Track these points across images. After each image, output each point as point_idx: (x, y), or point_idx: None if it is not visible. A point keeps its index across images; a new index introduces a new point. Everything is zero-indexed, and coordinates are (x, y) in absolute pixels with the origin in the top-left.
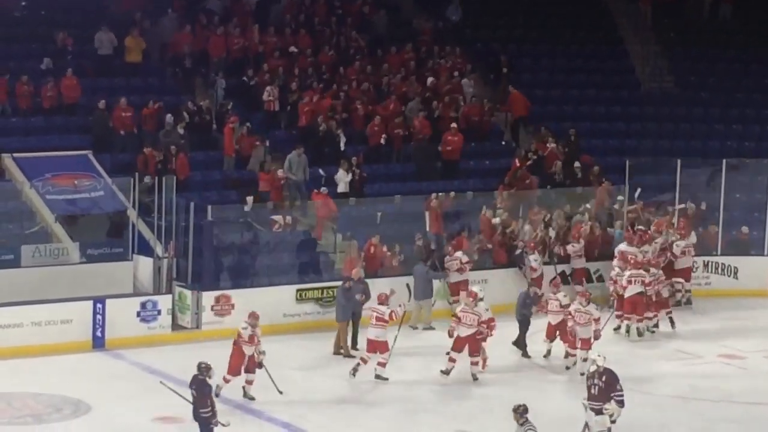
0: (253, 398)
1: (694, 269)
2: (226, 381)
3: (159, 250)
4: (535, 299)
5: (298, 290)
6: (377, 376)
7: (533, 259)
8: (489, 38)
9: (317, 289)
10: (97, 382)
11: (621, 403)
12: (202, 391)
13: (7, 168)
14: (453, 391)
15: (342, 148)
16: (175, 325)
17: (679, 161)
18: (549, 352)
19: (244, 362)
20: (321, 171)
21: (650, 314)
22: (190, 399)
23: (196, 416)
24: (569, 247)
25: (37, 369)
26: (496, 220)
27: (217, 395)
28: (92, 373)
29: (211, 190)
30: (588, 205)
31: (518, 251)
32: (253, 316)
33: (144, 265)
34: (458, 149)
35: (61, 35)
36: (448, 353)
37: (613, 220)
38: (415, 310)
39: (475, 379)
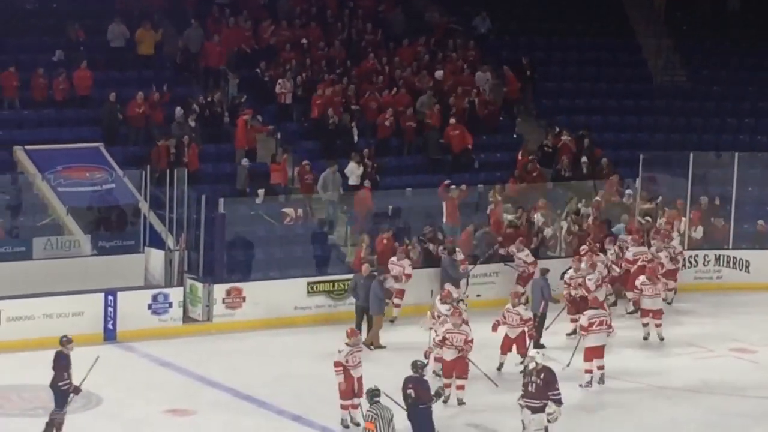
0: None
1: (705, 263)
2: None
3: (170, 242)
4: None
5: (309, 283)
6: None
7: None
8: (499, 30)
9: (328, 282)
10: (108, 374)
11: (558, 402)
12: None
13: (19, 160)
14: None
15: (355, 141)
16: (187, 318)
17: (691, 155)
18: (502, 365)
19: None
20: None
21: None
22: None
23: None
24: (520, 254)
25: (48, 361)
26: (509, 217)
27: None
28: (103, 366)
29: (222, 182)
30: (598, 198)
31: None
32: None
33: (155, 257)
34: (461, 142)
35: (73, 28)
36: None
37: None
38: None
39: (461, 403)
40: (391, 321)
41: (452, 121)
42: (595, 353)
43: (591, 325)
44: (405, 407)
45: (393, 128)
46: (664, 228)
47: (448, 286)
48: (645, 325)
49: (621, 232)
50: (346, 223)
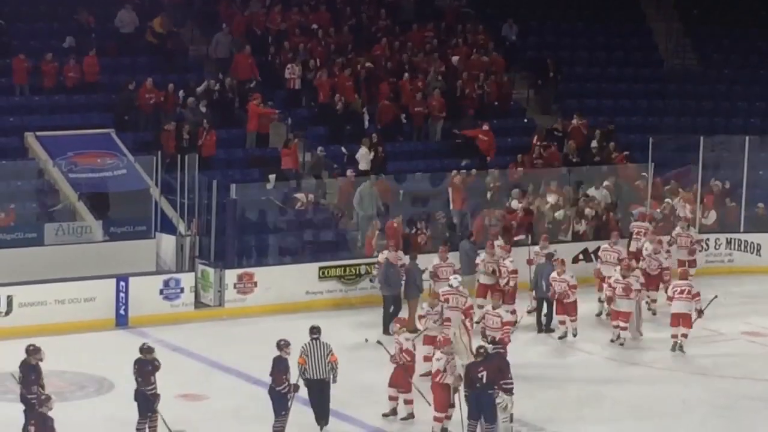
0: None
1: (717, 246)
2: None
3: (182, 228)
4: None
5: (320, 268)
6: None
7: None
8: (506, 14)
9: (340, 267)
10: (121, 359)
11: (510, 392)
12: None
13: (31, 146)
14: None
15: (366, 126)
16: (198, 303)
17: (702, 138)
18: None
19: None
20: (343, 149)
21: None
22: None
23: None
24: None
25: (60, 347)
26: (518, 204)
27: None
28: (115, 351)
29: (233, 168)
30: (608, 182)
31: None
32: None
33: (167, 243)
34: (488, 147)
35: (83, 14)
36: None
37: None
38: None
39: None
40: None
41: (485, 127)
42: (681, 320)
43: (674, 293)
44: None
45: (399, 113)
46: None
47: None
48: (614, 327)
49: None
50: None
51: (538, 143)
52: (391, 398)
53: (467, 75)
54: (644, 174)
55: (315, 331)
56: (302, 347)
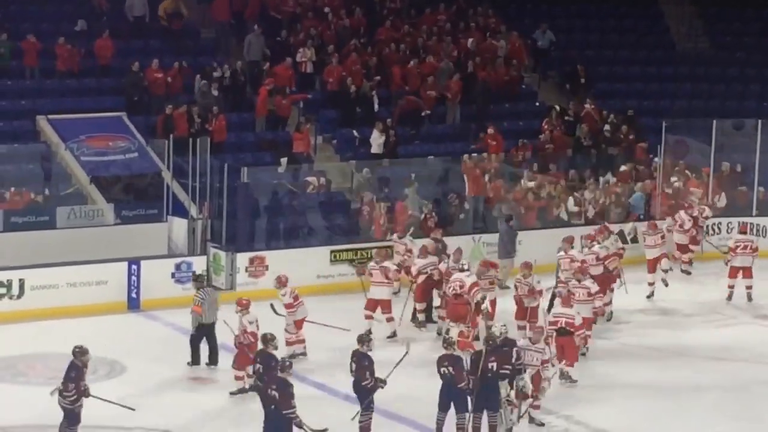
0: None
1: (729, 230)
2: None
3: (193, 211)
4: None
5: (332, 251)
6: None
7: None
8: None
9: (351, 250)
10: (132, 343)
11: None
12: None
13: (42, 130)
14: None
15: (376, 110)
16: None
17: (714, 122)
18: None
19: None
20: (355, 132)
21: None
22: None
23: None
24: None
25: (72, 330)
26: (530, 184)
27: None
28: (127, 334)
29: (245, 151)
30: (625, 167)
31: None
32: None
33: (179, 226)
34: (496, 150)
35: None
36: None
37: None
38: (501, 269)
39: None
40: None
41: (490, 131)
42: (742, 273)
43: (737, 248)
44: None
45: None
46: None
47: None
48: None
49: (640, 202)
50: (369, 191)
51: (548, 128)
52: (237, 378)
53: (479, 60)
54: (656, 159)
55: (201, 279)
56: (195, 298)
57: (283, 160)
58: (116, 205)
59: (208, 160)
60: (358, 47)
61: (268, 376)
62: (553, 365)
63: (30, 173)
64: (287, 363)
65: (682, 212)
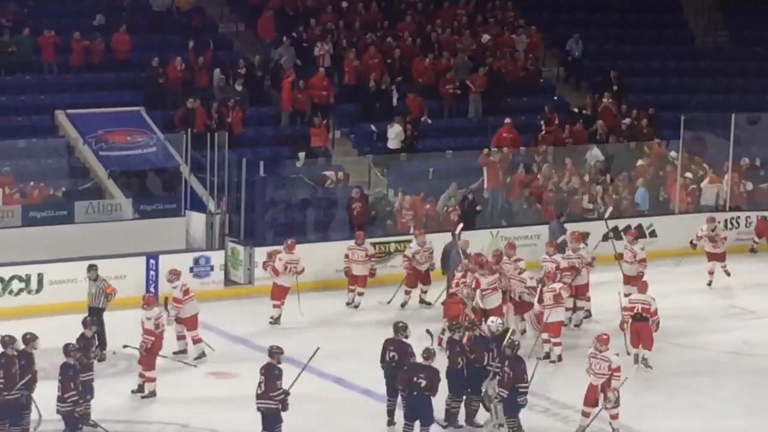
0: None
1: (748, 225)
2: None
3: (212, 206)
4: None
5: (349, 248)
6: None
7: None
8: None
9: (370, 244)
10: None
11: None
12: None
13: (61, 124)
14: None
15: (395, 104)
16: (228, 281)
17: (733, 116)
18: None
19: None
20: (373, 127)
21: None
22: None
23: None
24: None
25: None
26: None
27: None
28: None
29: (263, 146)
30: (642, 161)
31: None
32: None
33: (197, 220)
34: (511, 145)
35: None
36: None
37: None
38: None
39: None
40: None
41: (507, 120)
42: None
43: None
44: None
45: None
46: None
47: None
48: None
49: (644, 198)
50: (386, 186)
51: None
52: (141, 375)
53: (498, 53)
54: (673, 153)
55: (95, 267)
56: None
57: (301, 155)
58: (134, 199)
59: (226, 154)
60: (375, 41)
61: (409, 365)
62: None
63: (49, 168)
64: (275, 348)
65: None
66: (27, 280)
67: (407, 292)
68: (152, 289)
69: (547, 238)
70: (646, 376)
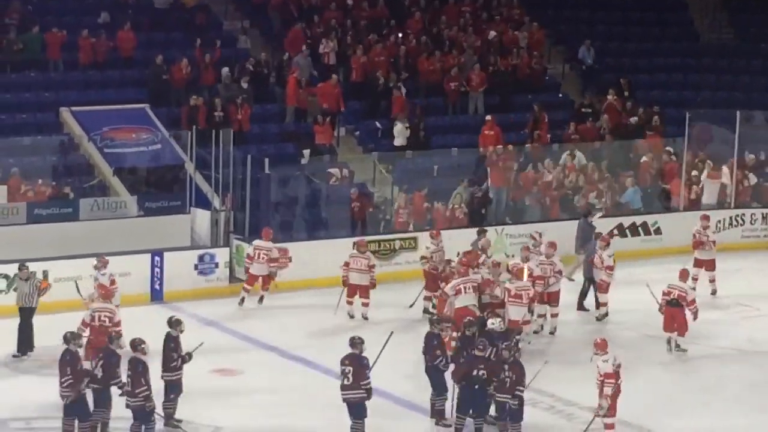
0: None
1: (753, 222)
2: None
3: (216, 203)
4: None
5: (354, 243)
6: None
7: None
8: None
9: (374, 241)
10: (155, 334)
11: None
12: None
13: (66, 121)
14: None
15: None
16: (233, 278)
17: (738, 113)
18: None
19: None
20: (378, 124)
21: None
22: None
23: None
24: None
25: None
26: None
27: None
28: (150, 326)
29: (268, 143)
30: (645, 158)
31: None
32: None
33: (201, 218)
34: (493, 143)
35: None
36: None
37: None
38: (575, 263)
39: None
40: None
41: (488, 118)
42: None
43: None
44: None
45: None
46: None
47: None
48: None
49: (634, 197)
50: (392, 183)
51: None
52: None
53: (503, 50)
54: (669, 149)
55: (23, 267)
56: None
57: (306, 152)
58: (139, 196)
59: (231, 151)
60: (381, 38)
61: (467, 358)
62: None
63: (53, 165)
64: (357, 339)
65: None
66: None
67: (427, 298)
68: (157, 286)
69: (575, 237)
70: (649, 375)
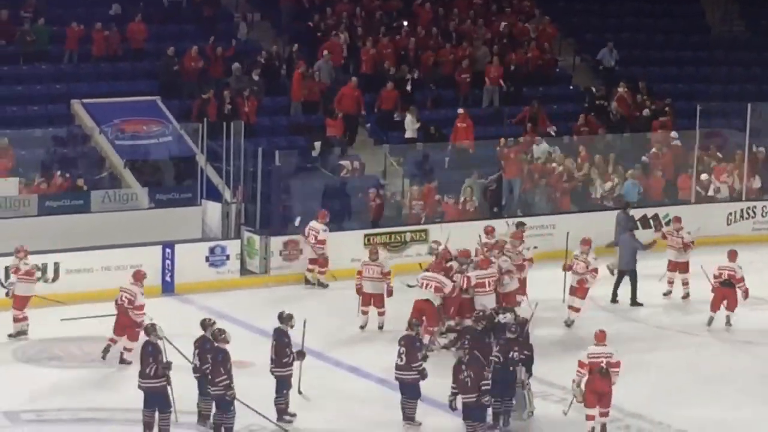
0: None
1: (764, 214)
2: None
3: (227, 195)
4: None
5: (365, 235)
6: None
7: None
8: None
9: (385, 234)
10: (167, 326)
11: None
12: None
13: (77, 113)
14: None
15: (410, 93)
16: (244, 270)
17: (749, 106)
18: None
19: None
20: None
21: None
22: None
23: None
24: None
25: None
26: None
27: None
28: (161, 318)
29: (278, 135)
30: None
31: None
32: None
33: (212, 210)
34: (463, 137)
35: None
36: None
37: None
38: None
39: None
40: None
41: (460, 111)
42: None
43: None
44: None
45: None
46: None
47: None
48: None
49: (632, 190)
50: (402, 176)
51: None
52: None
53: (513, 42)
54: (674, 133)
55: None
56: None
57: (317, 144)
58: (150, 189)
59: (242, 143)
60: (391, 30)
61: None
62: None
63: (64, 157)
64: (415, 321)
65: None
66: (43, 269)
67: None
68: (168, 278)
69: (615, 230)
70: (660, 367)
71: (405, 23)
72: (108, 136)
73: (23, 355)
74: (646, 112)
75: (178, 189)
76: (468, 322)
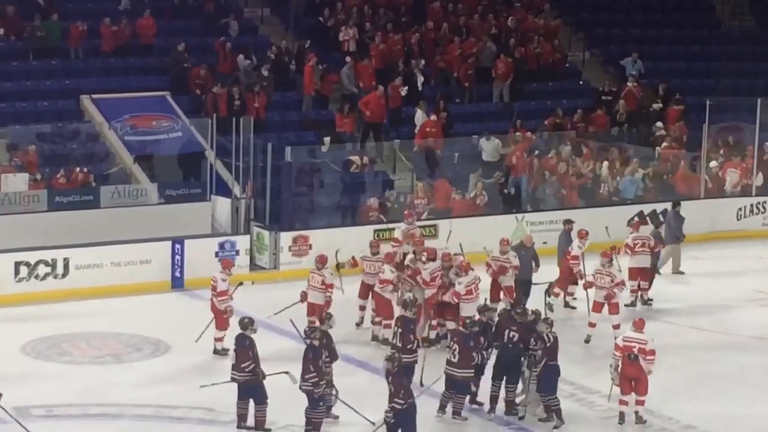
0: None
1: None
2: None
3: (237, 190)
4: None
5: (375, 231)
6: None
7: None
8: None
9: (393, 229)
10: (177, 322)
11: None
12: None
13: (86, 109)
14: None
15: (419, 89)
16: (253, 266)
17: (759, 100)
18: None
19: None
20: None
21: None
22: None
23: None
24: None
25: (116, 309)
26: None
27: None
28: (171, 313)
29: (288, 131)
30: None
31: None
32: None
33: (222, 205)
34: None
35: None
36: None
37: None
38: (665, 255)
39: None
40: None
41: (433, 117)
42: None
43: (635, 246)
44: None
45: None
46: None
47: None
48: None
49: (630, 187)
50: (411, 171)
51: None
52: None
53: (522, 37)
54: (659, 123)
55: None
56: None
57: (326, 139)
58: (160, 184)
59: (251, 139)
60: (400, 25)
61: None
62: None
63: (74, 153)
64: (409, 300)
65: None
66: (53, 264)
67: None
68: (178, 274)
69: (665, 229)
70: (670, 363)
71: (417, 25)
72: (117, 131)
73: (33, 350)
74: (657, 105)
75: (187, 184)
76: (450, 325)
